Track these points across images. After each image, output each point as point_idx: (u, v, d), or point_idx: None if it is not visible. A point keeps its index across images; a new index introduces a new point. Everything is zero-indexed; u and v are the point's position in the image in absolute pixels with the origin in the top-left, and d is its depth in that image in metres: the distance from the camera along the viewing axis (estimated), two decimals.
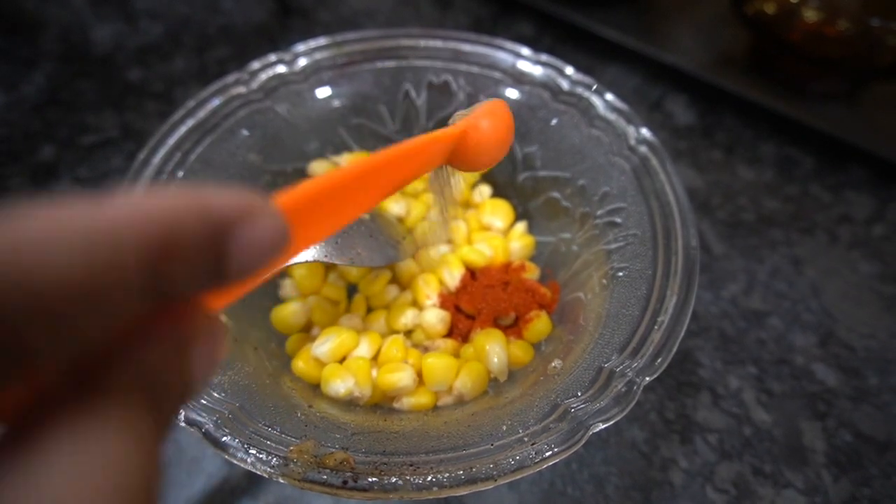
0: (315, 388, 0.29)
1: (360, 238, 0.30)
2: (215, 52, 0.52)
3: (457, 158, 0.24)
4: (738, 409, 0.33)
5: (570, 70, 0.34)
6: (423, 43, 0.36)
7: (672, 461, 0.31)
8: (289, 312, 0.31)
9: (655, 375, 0.23)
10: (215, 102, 0.32)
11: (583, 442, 0.21)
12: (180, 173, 0.29)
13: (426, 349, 0.30)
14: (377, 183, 0.19)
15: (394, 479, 0.20)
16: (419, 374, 0.29)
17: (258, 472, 0.21)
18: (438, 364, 0.28)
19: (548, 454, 0.21)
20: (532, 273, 0.33)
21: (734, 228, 0.42)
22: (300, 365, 0.29)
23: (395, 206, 0.35)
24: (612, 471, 0.31)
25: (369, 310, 0.32)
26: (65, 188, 0.42)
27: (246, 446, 0.21)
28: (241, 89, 0.32)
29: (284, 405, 0.25)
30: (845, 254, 0.41)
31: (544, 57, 0.35)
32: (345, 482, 0.20)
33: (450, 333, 0.31)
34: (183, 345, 0.11)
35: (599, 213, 0.31)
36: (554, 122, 0.34)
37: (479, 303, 0.31)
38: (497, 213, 0.35)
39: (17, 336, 0.08)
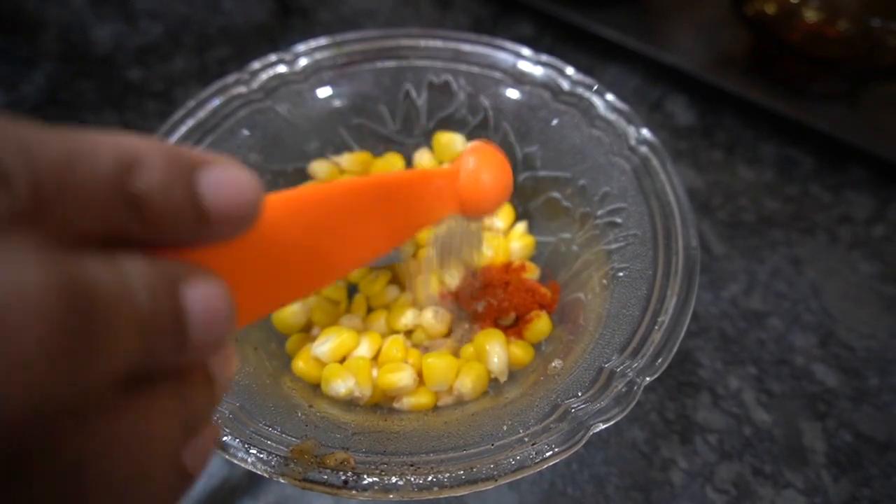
0: (315, 388, 0.29)
1: None
2: (215, 52, 0.52)
3: (462, 205, 0.24)
4: (738, 410, 0.33)
5: (570, 70, 0.34)
6: (423, 43, 0.36)
7: (672, 461, 0.31)
8: (289, 312, 0.31)
9: (656, 376, 0.23)
10: (216, 102, 0.32)
11: (583, 442, 0.21)
12: None
13: (426, 349, 0.30)
14: (363, 218, 0.17)
15: (394, 479, 0.20)
16: (419, 374, 0.29)
17: (258, 472, 0.21)
18: (439, 364, 0.28)
19: (548, 454, 0.21)
20: (532, 273, 0.33)
21: (734, 229, 0.42)
22: (300, 365, 0.29)
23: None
24: (612, 471, 0.31)
25: (369, 310, 0.32)
26: None
27: (246, 446, 0.21)
28: (242, 89, 0.32)
29: (285, 405, 0.25)
30: (845, 254, 0.41)
31: (545, 57, 0.35)
32: (345, 482, 0.20)
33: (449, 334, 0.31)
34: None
35: (600, 213, 0.31)
36: (554, 122, 0.34)
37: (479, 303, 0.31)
38: (497, 213, 0.35)
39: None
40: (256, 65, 0.33)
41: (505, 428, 0.23)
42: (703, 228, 0.42)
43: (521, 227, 0.35)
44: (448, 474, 0.21)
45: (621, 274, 0.28)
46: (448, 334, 0.31)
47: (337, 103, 0.35)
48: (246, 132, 0.32)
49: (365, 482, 0.20)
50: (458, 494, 0.21)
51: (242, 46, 0.53)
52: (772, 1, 0.44)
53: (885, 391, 0.34)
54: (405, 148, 0.37)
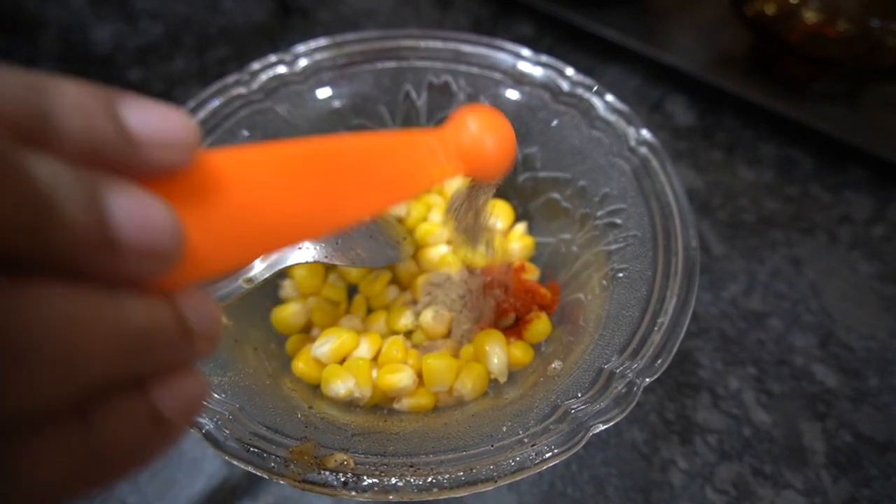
0: (315, 388, 0.29)
1: (360, 239, 0.30)
2: (215, 53, 0.52)
3: (467, 167, 0.23)
4: (737, 410, 0.33)
5: (570, 71, 0.34)
6: (423, 44, 0.36)
7: (672, 462, 0.31)
8: (289, 313, 0.31)
9: (655, 376, 0.23)
10: (215, 103, 0.32)
11: (583, 443, 0.21)
12: None
13: (426, 350, 0.30)
14: (341, 178, 0.17)
15: (394, 481, 0.20)
16: (419, 375, 0.29)
17: (258, 473, 0.21)
18: (438, 365, 0.28)
19: (548, 455, 0.21)
20: (532, 274, 0.33)
21: (734, 229, 0.42)
22: (300, 366, 0.29)
23: (395, 208, 0.35)
24: (612, 472, 0.31)
25: (369, 310, 0.32)
26: None
27: (246, 447, 0.21)
28: (242, 90, 0.32)
29: (284, 406, 0.25)
30: (845, 254, 0.41)
31: (544, 58, 0.35)
32: (345, 483, 0.20)
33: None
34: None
35: (599, 214, 0.31)
36: (554, 123, 0.34)
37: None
38: (497, 213, 0.35)
39: None
40: (256, 65, 0.33)
41: (504, 429, 0.23)
42: (702, 229, 0.42)
43: (521, 227, 0.35)
44: (448, 475, 0.21)
45: (621, 275, 0.28)
46: (448, 335, 0.31)
47: (337, 104, 0.35)
48: (246, 133, 0.32)
49: (364, 483, 0.20)
50: (457, 496, 0.21)
51: (242, 47, 0.53)
52: (771, 1, 0.44)
53: (885, 391, 0.34)
54: None
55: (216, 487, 0.29)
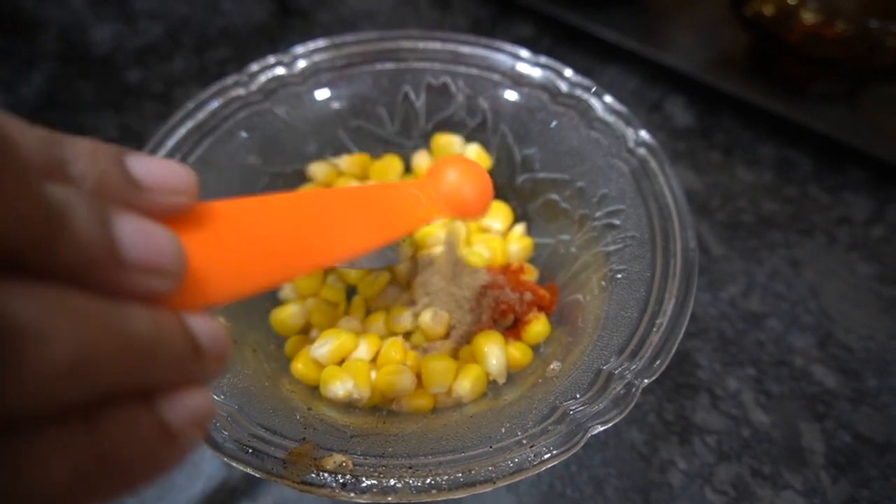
0: (314, 390, 0.29)
1: None
2: (215, 53, 0.52)
3: (452, 210, 0.26)
4: (736, 411, 0.33)
5: (568, 72, 0.34)
6: (421, 45, 0.36)
7: (671, 463, 0.31)
8: (288, 314, 0.31)
9: (654, 377, 0.23)
10: (214, 104, 0.32)
11: (581, 444, 0.21)
12: None
13: (425, 351, 0.30)
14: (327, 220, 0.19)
15: (392, 482, 0.21)
16: (418, 377, 0.29)
17: (257, 475, 0.21)
18: (437, 366, 0.28)
19: (546, 456, 0.21)
20: (531, 275, 0.33)
21: (733, 230, 0.42)
22: (299, 367, 0.29)
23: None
24: (611, 472, 0.31)
25: (368, 312, 0.32)
26: None
27: (245, 448, 0.21)
28: (241, 91, 0.33)
29: (283, 407, 0.25)
30: (844, 255, 0.41)
31: (543, 59, 0.35)
32: (343, 485, 0.20)
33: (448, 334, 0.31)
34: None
35: (598, 214, 0.31)
36: (553, 124, 0.34)
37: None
38: (496, 214, 0.35)
39: None
40: (255, 67, 0.33)
41: (503, 430, 0.23)
42: (701, 230, 0.42)
43: (520, 228, 0.35)
44: (446, 476, 0.21)
45: (620, 276, 0.28)
46: (446, 336, 0.31)
47: (335, 105, 0.35)
48: (244, 134, 0.33)
49: (363, 485, 0.20)
50: (456, 497, 0.21)
51: (242, 47, 0.53)
52: (770, 2, 0.44)
53: (884, 392, 0.34)
54: (404, 150, 0.37)
55: (215, 489, 0.29)
